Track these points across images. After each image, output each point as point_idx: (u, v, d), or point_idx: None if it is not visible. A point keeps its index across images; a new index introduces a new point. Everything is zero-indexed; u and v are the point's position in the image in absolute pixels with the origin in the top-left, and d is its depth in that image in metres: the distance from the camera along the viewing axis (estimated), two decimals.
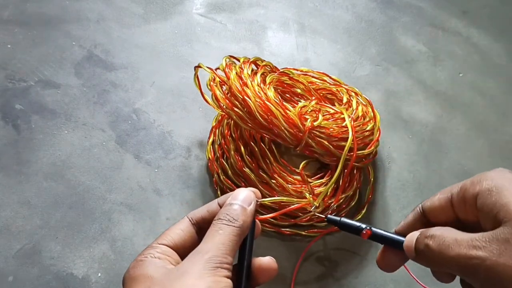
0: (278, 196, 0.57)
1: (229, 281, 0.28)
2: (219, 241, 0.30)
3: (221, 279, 0.28)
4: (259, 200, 0.35)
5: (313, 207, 0.38)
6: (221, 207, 0.34)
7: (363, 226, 0.35)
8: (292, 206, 0.39)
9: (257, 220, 0.35)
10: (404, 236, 0.33)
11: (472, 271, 0.27)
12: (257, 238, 0.35)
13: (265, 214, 0.36)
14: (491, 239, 0.26)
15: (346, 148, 0.52)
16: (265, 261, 0.33)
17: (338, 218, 0.37)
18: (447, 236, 0.28)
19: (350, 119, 0.56)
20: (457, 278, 0.32)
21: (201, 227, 0.34)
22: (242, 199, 0.33)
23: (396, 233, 0.34)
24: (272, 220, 0.57)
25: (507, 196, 0.27)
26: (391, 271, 0.35)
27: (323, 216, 0.38)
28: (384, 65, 0.77)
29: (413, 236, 0.31)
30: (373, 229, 0.34)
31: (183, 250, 0.32)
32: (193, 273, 0.28)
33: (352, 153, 0.55)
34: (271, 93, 0.55)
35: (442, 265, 0.29)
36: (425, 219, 0.33)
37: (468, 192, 0.29)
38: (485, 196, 0.28)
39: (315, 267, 0.56)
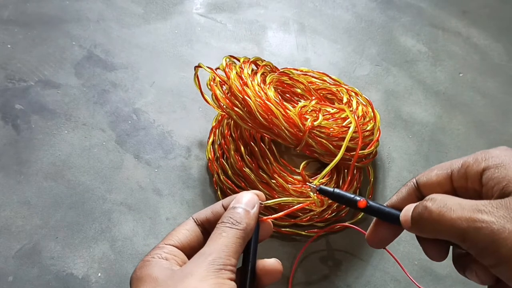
0: (278, 196, 0.57)
1: (233, 283, 0.29)
2: (223, 243, 0.30)
3: (224, 281, 0.28)
4: (263, 202, 0.35)
5: (312, 186, 0.37)
6: (225, 208, 0.34)
7: (358, 197, 0.34)
8: (297, 206, 0.38)
9: (270, 221, 0.35)
10: (397, 209, 0.32)
11: (473, 235, 0.26)
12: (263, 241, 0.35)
13: (268, 215, 0.36)
14: (499, 205, 0.26)
15: (347, 136, 0.51)
16: (270, 263, 0.33)
17: (331, 189, 0.35)
18: (449, 200, 0.28)
19: (353, 115, 0.55)
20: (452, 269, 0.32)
21: (206, 228, 0.34)
22: (246, 202, 0.33)
23: (389, 207, 0.34)
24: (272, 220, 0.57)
25: None
26: (381, 246, 0.35)
27: (316, 186, 0.36)
28: (384, 65, 0.77)
29: (411, 206, 0.31)
30: (369, 201, 0.34)
31: (190, 250, 0.32)
32: (197, 275, 0.28)
33: (353, 153, 0.55)
34: (271, 93, 0.55)
35: (439, 230, 0.28)
36: (419, 194, 0.33)
37: (472, 168, 0.29)
38: (492, 171, 0.28)
39: (315, 267, 0.56)
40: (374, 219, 0.35)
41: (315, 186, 0.36)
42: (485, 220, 0.26)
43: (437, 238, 0.29)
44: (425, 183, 0.32)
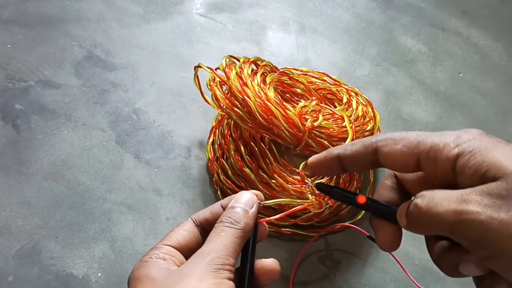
0: (278, 196, 0.57)
1: (231, 283, 0.29)
2: (221, 243, 0.30)
3: (222, 281, 0.28)
4: (262, 202, 0.35)
5: (308, 183, 0.37)
6: (224, 209, 0.34)
7: (356, 194, 0.33)
8: (296, 208, 0.38)
9: (265, 223, 0.35)
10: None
11: (461, 228, 0.25)
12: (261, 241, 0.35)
13: (267, 215, 0.36)
14: (483, 193, 0.24)
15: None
16: (268, 263, 0.33)
17: (329, 186, 0.35)
18: (437, 194, 0.27)
19: (349, 121, 0.56)
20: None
21: (205, 228, 0.34)
22: (245, 202, 0.33)
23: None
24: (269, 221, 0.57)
25: (495, 155, 0.25)
26: (394, 248, 0.33)
27: (314, 183, 0.36)
28: (384, 65, 0.77)
29: (405, 204, 0.30)
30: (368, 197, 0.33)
31: (188, 251, 0.32)
32: (195, 275, 0.28)
33: None
34: (271, 93, 0.55)
35: (431, 225, 0.27)
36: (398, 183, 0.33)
37: (442, 154, 0.27)
38: (468, 158, 0.26)
39: (315, 267, 0.56)
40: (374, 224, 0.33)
41: (312, 184, 0.36)
42: (472, 211, 0.24)
43: (432, 234, 0.29)
44: (402, 177, 0.33)
